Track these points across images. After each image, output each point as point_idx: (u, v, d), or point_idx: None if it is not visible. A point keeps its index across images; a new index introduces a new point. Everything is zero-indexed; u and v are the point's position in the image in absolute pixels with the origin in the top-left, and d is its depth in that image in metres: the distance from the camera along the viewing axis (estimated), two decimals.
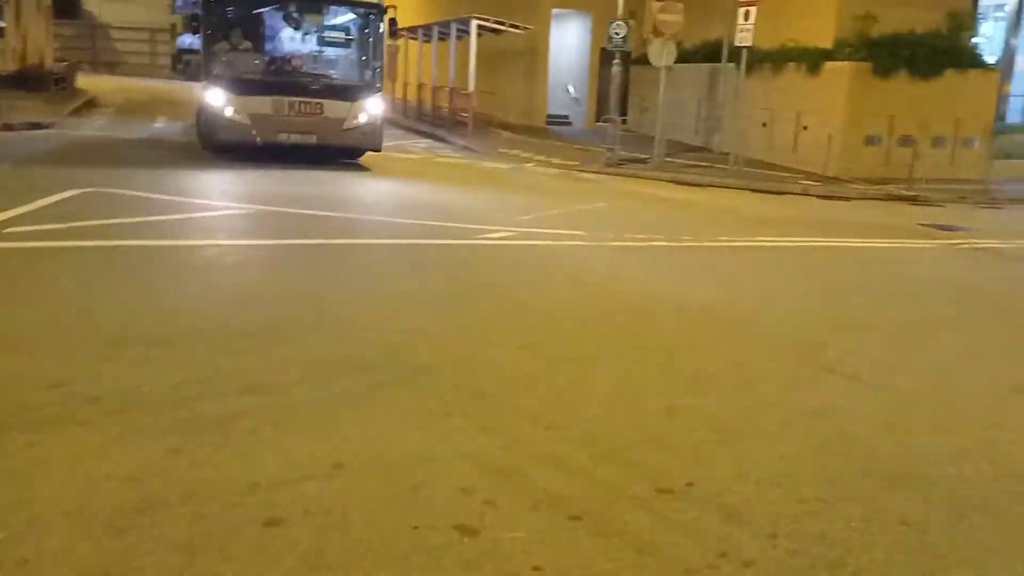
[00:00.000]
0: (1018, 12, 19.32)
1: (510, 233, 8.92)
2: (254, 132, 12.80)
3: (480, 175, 14.86)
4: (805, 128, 17.05)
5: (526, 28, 23.04)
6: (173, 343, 4.83)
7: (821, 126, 16.43)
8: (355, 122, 13.38)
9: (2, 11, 23.69)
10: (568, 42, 25.86)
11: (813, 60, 16.90)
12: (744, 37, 15.43)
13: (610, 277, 7.40)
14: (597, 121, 24.01)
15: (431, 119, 24.50)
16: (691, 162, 17.36)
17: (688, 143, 20.02)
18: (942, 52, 16.43)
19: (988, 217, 13.13)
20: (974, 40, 17.83)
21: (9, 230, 7.37)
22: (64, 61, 29.43)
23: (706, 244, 9.20)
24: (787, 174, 16.14)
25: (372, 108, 13.57)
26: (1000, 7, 19.64)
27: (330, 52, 14.75)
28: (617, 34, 16.46)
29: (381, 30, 13.86)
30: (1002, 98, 18.64)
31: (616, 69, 16.76)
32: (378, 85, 13.92)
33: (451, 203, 11.56)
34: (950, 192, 14.69)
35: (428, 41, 25.90)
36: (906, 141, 15.88)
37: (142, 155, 13.89)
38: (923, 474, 3.78)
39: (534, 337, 5.50)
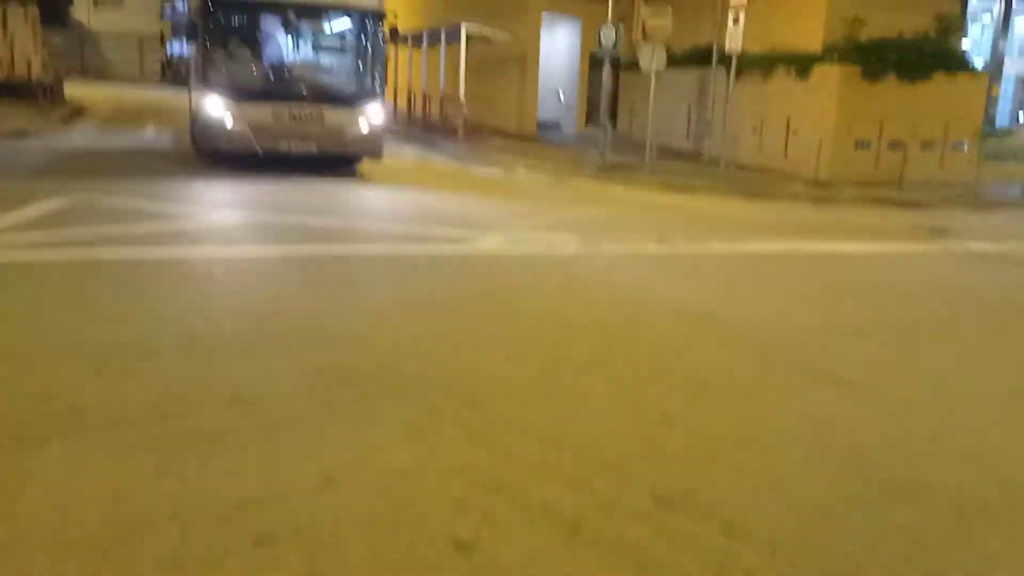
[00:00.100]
0: (1005, 15, 19.40)
1: (502, 240, 8.86)
2: (254, 141, 12.63)
3: (471, 182, 14.80)
4: (795, 132, 17.06)
5: (516, 34, 23.02)
6: (160, 355, 4.75)
7: (811, 130, 16.44)
8: (356, 130, 13.23)
9: None
10: (558, 48, 25.86)
11: (802, 64, 16.92)
12: (734, 42, 15.45)
13: (603, 284, 7.35)
14: (587, 126, 24.01)
15: (422, 126, 24.44)
16: (682, 167, 17.33)
17: (678, 148, 20.01)
18: (930, 56, 16.47)
19: (979, 220, 13.13)
20: (962, 44, 17.90)
21: None
22: (52, 69, 29.27)
23: (699, 250, 9.16)
24: (778, 178, 16.13)
25: (373, 115, 13.40)
26: (987, 10, 19.72)
27: (330, 59, 14.51)
28: (607, 40, 16.45)
29: (381, 37, 13.74)
30: (991, 101, 18.71)
31: (606, 75, 16.75)
32: (379, 92, 13.76)
33: (442, 210, 11.50)
34: (940, 195, 14.70)
35: (418, 48, 25.85)
36: (896, 145, 15.91)
37: (131, 164, 13.78)
38: (924, 482, 3.73)
39: (526, 346, 5.44)
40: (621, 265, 8.20)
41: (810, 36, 17.09)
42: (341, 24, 14.10)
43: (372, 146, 13.57)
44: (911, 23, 16.70)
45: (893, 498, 3.56)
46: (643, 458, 3.78)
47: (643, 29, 16.84)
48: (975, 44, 19.16)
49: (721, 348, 5.63)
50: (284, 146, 12.79)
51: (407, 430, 3.94)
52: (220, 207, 10.02)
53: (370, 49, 13.76)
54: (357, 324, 5.64)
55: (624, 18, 19.78)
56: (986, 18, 19.86)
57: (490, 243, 8.68)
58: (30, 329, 5.15)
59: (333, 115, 13.02)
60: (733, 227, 11.02)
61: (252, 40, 13.75)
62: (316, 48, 14.37)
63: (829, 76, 16.37)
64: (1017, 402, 5.00)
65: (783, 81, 17.42)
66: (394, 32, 13.61)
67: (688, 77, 19.93)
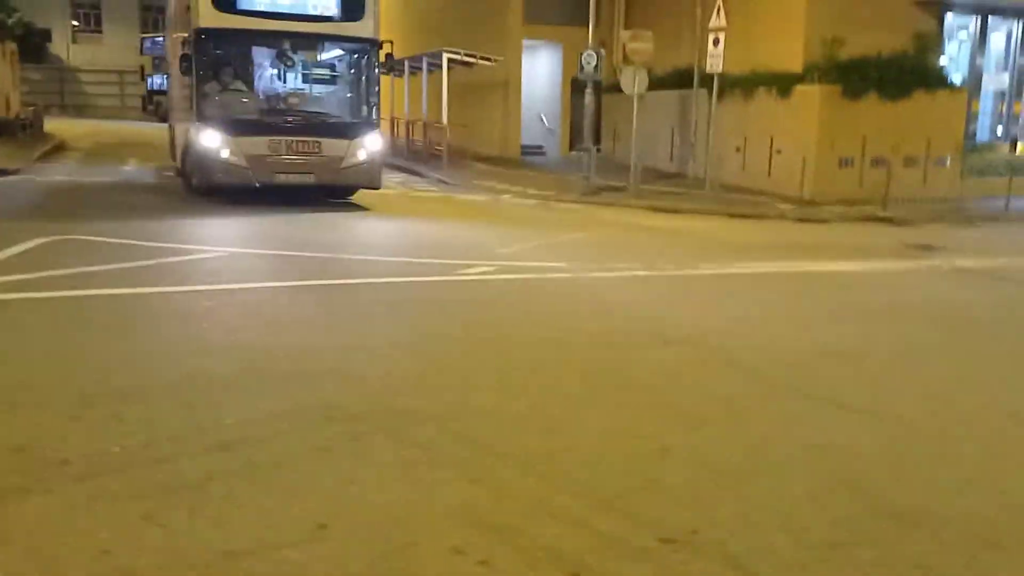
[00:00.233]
0: (982, 32, 19.61)
1: (490, 268, 8.78)
2: (251, 174, 12.44)
3: (457, 208, 14.75)
4: (779, 152, 17.12)
5: (497, 60, 23.10)
6: (145, 398, 4.62)
7: (794, 149, 16.51)
8: (353, 160, 13.05)
9: None
10: (539, 73, 25.96)
11: (784, 84, 17.02)
12: (715, 63, 15.54)
13: (592, 311, 7.27)
14: (571, 150, 24.04)
15: (405, 153, 24.43)
16: (667, 188, 17.36)
17: (663, 169, 20.05)
18: (910, 73, 16.62)
19: (965, 236, 13.16)
20: (941, 61, 18.06)
21: None
22: (31, 106, 29.15)
23: (688, 273, 9.11)
24: (763, 198, 16.18)
25: (371, 145, 13.24)
26: (964, 28, 19.92)
27: (326, 89, 14.29)
28: (589, 64, 16.50)
29: (377, 65, 13.64)
30: (971, 116, 18.86)
31: (589, 98, 16.78)
32: (375, 121, 13.62)
33: (429, 238, 11.44)
34: (925, 212, 14.76)
35: (400, 75, 25.89)
36: (879, 162, 15.98)
37: (113, 200, 13.65)
38: (932, 510, 3.65)
39: (517, 377, 5.34)
40: (611, 290, 8.13)
41: (790, 56, 17.21)
42: (337, 53, 13.92)
43: (369, 176, 13.40)
44: (889, 42, 16.85)
45: (901, 529, 3.47)
46: (643, 493, 3.68)
47: (624, 53, 16.92)
48: (953, 61, 19.30)
49: (716, 374, 5.55)
50: (282, 178, 12.60)
51: (400, 470, 3.83)
52: (202, 242, 9.88)
53: (366, 78, 13.60)
54: (345, 359, 5.53)
55: (604, 42, 19.90)
56: (962, 35, 20.02)
57: (478, 271, 8.59)
58: (9, 373, 5.01)
59: (330, 146, 12.84)
60: (721, 249, 10.99)
61: (247, 71, 13.54)
62: (312, 78, 14.12)
63: (810, 95, 16.47)
64: (1018, 423, 4.94)
65: (765, 101, 17.51)
66: (390, 60, 13.46)
67: (670, 99, 20.01)
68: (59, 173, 17.43)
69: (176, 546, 3.12)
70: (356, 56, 13.65)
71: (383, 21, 14.49)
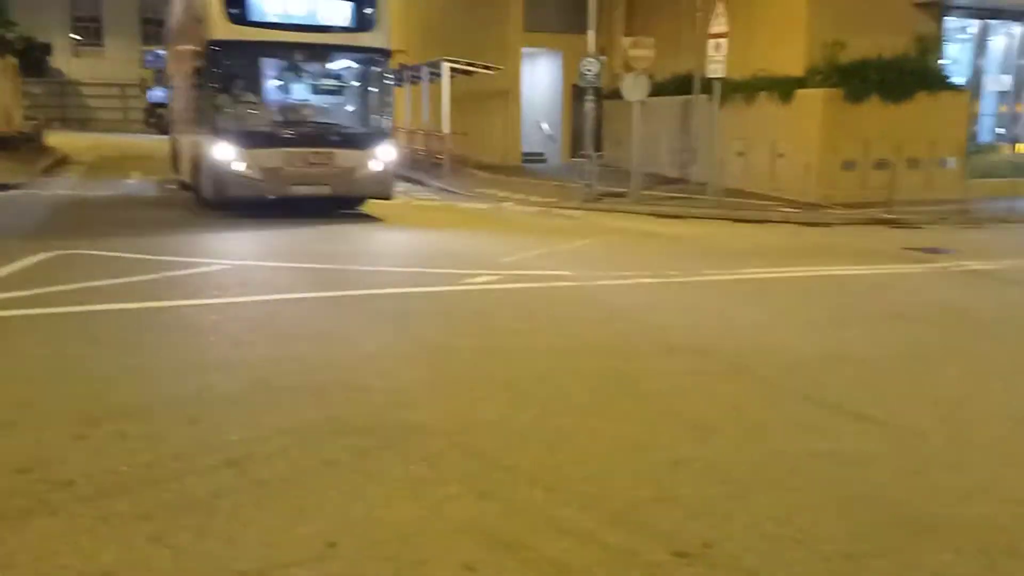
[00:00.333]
0: (983, 33, 19.58)
1: (494, 277, 8.74)
2: (265, 186, 12.36)
3: (460, 216, 14.73)
4: (781, 155, 17.10)
5: (497, 68, 23.12)
6: (149, 415, 4.59)
7: (797, 153, 16.47)
8: (368, 171, 12.99)
9: None
10: (540, 80, 25.98)
11: (785, 88, 17.01)
12: (716, 69, 15.50)
13: (598, 319, 7.23)
14: (572, 157, 24.04)
15: (407, 162, 24.41)
16: (669, 194, 17.32)
17: (665, 175, 20.01)
18: (911, 75, 16.60)
19: (970, 238, 13.11)
20: (942, 62, 18.04)
21: None
22: (33, 120, 29.22)
23: (693, 279, 9.06)
24: (766, 202, 16.13)
25: (384, 155, 13.18)
26: (963, 29, 19.91)
27: (339, 100, 14.12)
28: (589, 71, 16.49)
29: (390, 75, 13.51)
30: (972, 118, 18.83)
31: (589, 105, 16.77)
32: (388, 131, 13.54)
33: (433, 247, 11.41)
34: (929, 214, 14.70)
35: (400, 85, 25.93)
36: (882, 164, 15.94)
37: (116, 214, 13.65)
38: (947, 518, 3.60)
39: (524, 388, 5.30)
40: (616, 297, 8.09)
41: (791, 60, 17.20)
42: (350, 64, 13.76)
43: (383, 186, 13.34)
44: (890, 44, 16.83)
45: (917, 538, 3.43)
46: (655, 506, 3.64)
47: (625, 59, 16.90)
48: (953, 63, 19.28)
49: (725, 382, 5.51)
50: (296, 190, 12.51)
51: (408, 486, 3.79)
52: (209, 255, 9.85)
53: (379, 88, 13.52)
54: (351, 372, 5.49)
55: (604, 49, 19.87)
56: (963, 36, 20.02)
57: (482, 280, 8.55)
58: (11, 391, 4.98)
59: (345, 156, 12.77)
60: (725, 254, 10.95)
61: (260, 83, 13.40)
62: (325, 88, 13.95)
63: (812, 99, 16.45)
64: None
65: (766, 106, 17.50)
66: (403, 68, 13.39)
67: (671, 105, 20.00)
68: (62, 187, 17.44)
69: (184, 567, 3.08)
70: (369, 66, 13.53)
71: None
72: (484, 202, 16.57)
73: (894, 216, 14.42)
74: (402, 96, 26.72)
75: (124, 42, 46.93)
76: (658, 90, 18.71)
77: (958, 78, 18.45)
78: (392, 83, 13.54)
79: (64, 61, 46.35)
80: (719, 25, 15.32)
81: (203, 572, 3.04)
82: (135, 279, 8.17)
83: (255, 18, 12.41)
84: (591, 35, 16.67)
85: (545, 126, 25.76)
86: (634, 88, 16.42)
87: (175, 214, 13.72)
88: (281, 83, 13.61)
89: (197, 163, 13.75)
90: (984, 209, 15.37)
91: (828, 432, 4.60)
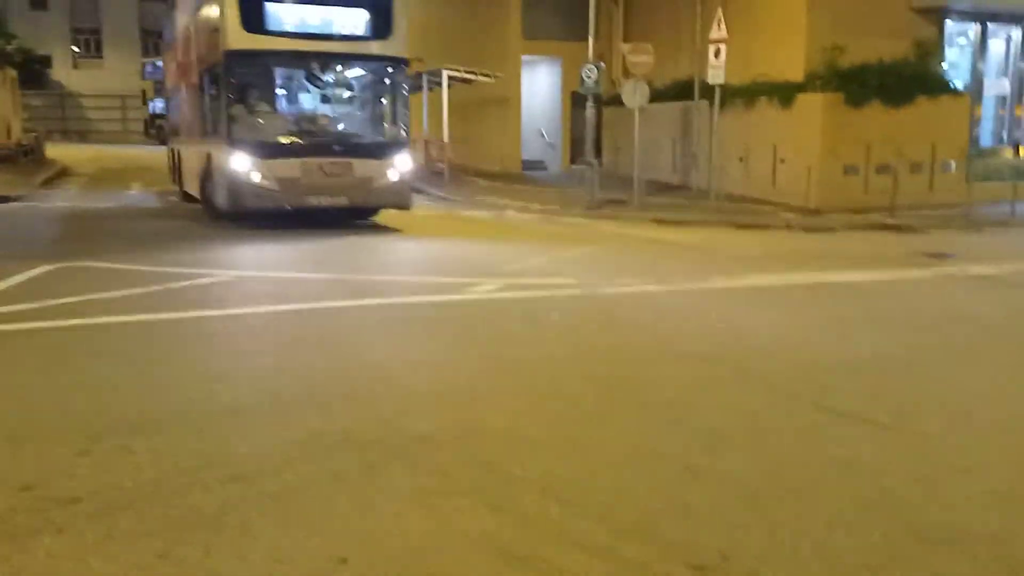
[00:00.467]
0: (982, 37, 19.58)
1: (499, 285, 8.69)
2: (283, 197, 12.25)
3: (461, 224, 14.69)
4: (782, 161, 17.07)
5: (497, 76, 23.12)
6: (155, 429, 4.53)
7: (798, 158, 16.44)
8: (384, 180, 12.89)
9: None
10: (539, 88, 25.99)
11: (785, 94, 16.99)
12: (716, 75, 15.48)
13: (604, 327, 7.18)
14: (572, 164, 24.02)
15: None
16: (670, 200, 17.30)
17: (666, 181, 19.99)
18: (911, 79, 16.58)
19: (974, 242, 13.07)
20: (942, 66, 18.02)
21: None
22: (33, 132, 29.23)
23: (698, 286, 9.00)
24: (768, 208, 16.10)
25: (401, 164, 13.07)
26: (963, 34, 19.90)
27: (356, 109, 14.03)
28: (589, 77, 16.48)
29: (407, 84, 13.44)
30: (973, 122, 18.80)
31: (589, 112, 16.75)
32: (405, 140, 13.43)
33: (435, 255, 11.37)
34: (933, 218, 14.67)
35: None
36: (884, 169, 15.91)
37: (117, 225, 13.61)
38: (966, 527, 3.55)
39: (532, 397, 5.25)
40: (621, 305, 8.04)
41: (791, 65, 17.19)
42: (367, 72, 13.67)
43: (400, 196, 13.22)
44: (889, 49, 16.83)
45: (935, 548, 3.37)
46: (670, 517, 3.58)
47: (624, 66, 16.90)
48: (953, 67, 19.26)
49: (735, 390, 5.45)
50: (314, 201, 12.41)
51: (418, 498, 3.73)
52: (212, 266, 9.80)
53: (396, 96, 13.42)
54: (356, 383, 5.44)
55: (603, 56, 19.89)
56: (962, 40, 20.00)
57: (487, 289, 8.50)
58: (14, 406, 4.93)
59: (363, 166, 12.66)
60: (729, 260, 10.90)
61: (277, 92, 13.31)
62: (342, 98, 13.84)
63: (813, 104, 16.43)
64: None
65: (767, 111, 17.48)
66: (419, 77, 13.28)
67: (671, 111, 19.99)
68: (62, 199, 17.41)
69: None
70: (386, 75, 13.42)
71: None
72: (485, 210, 16.54)
73: (897, 221, 14.38)
74: None
75: (124, 54, 47.03)
76: (658, 96, 18.71)
77: (958, 82, 18.43)
78: (408, 92, 13.38)
79: (64, 73, 46.47)
80: (718, 31, 15.31)
81: None
82: (137, 291, 8.12)
83: (272, 27, 12.30)
84: (590, 42, 16.67)
85: (545, 133, 25.76)
86: (634, 95, 16.40)
87: (178, 225, 13.69)
88: (298, 92, 13.52)
89: (208, 174, 13.59)
90: (987, 213, 15.33)
91: (841, 439, 4.55)
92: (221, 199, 12.94)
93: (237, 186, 12.22)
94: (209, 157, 13.48)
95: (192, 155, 15.53)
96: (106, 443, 4.31)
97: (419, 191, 20.10)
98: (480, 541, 3.36)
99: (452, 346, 6.46)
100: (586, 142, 17.22)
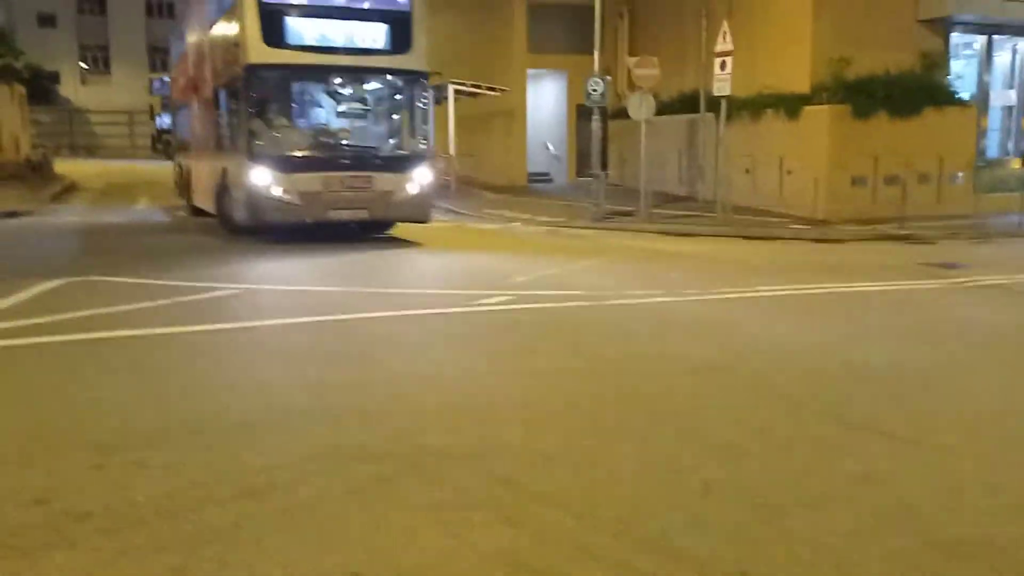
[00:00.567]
0: (988, 49, 19.57)
1: (509, 297, 8.67)
2: (304, 211, 12.24)
3: (469, 237, 14.70)
4: (789, 172, 17.06)
5: (503, 90, 23.19)
6: (167, 443, 4.51)
7: (805, 170, 16.43)
8: (405, 194, 12.87)
9: None
10: (545, 101, 26.06)
11: (792, 105, 17.01)
12: (722, 87, 15.50)
13: (615, 339, 7.15)
14: (578, 177, 24.05)
15: None
16: (678, 212, 17.30)
17: (672, 193, 20.01)
18: (917, 91, 16.59)
19: (984, 252, 13.03)
20: (948, 78, 18.02)
21: None
22: (41, 147, 29.38)
23: (708, 297, 8.98)
24: (775, 219, 16.08)
25: (422, 178, 13.06)
26: (969, 45, 19.90)
27: (376, 122, 13.99)
28: (595, 90, 16.52)
29: (428, 97, 13.46)
30: (980, 133, 18.78)
31: (595, 124, 16.77)
32: (426, 154, 13.40)
33: (444, 268, 11.37)
34: (941, 228, 14.63)
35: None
36: (892, 180, 15.89)
37: (126, 240, 13.64)
38: (986, 539, 3.51)
39: (546, 410, 5.22)
40: (631, 317, 8.01)
41: (797, 77, 17.20)
42: (386, 86, 13.67)
43: (420, 210, 13.22)
44: (895, 60, 16.85)
45: (957, 562, 3.33)
46: (687, 532, 3.55)
47: (630, 79, 16.94)
48: (959, 78, 19.26)
49: (749, 401, 5.41)
50: (335, 215, 12.41)
51: (433, 513, 3.70)
52: (222, 279, 9.79)
53: (416, 110, 13.39)
54: (369, 396, 5.42)
55: (609, 69, 19.93)
56: (968, 52, 20.00)
57: (498, 301, 8.49)
58: (25, 422, 4.91)
59: (384, 180, 12.65)
60: (738, 271, 10.88)
61: (297, 106, 13.30)
62: (362, 112, 13.82)
63: (820, 116, 16.44)
64: None
65: (773, 123, 17.49)
66: (441, 89, 13.27)
67: (677, 123, 20.02)
68: (71, 214, 17.47)
69: None
70: (405, 88, 13.41)
71: None
72: (492, 222, 16.55)
73: (906, 232, 14.35)
74: None
75: (131, 70, 47.36)
76: (664, 109, 18.75)
77: (964, 93, 18.42)
78: (427, 105, 13.41)
79: (72, 89, 46.77)
80: (724, 43, 15.34)
81: None
82: (148, 305, 8.11)
83: (292, 41, 12.32)
84: (596, 55, 16.71)
85: (551, 146, 25.81)
86: (640, 107, 16.43)
87: (188, 239, 13.72)
88: (318, 106, 13.51)
89: (225, 188, 13.57)
90: (995, 224, 15.31)
91: (857, 451, 4.51)
92: (240, 213, 12.91)
93: (257, 200, 12.18)
94: (225, 172, 13.46)
95: (205, 169, 15.54)
96: (119, 457, 4.29)
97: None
98: (495, 556, 3.33)
99: (465, 359, 6.44)
100: (592, 155, 17.24)
